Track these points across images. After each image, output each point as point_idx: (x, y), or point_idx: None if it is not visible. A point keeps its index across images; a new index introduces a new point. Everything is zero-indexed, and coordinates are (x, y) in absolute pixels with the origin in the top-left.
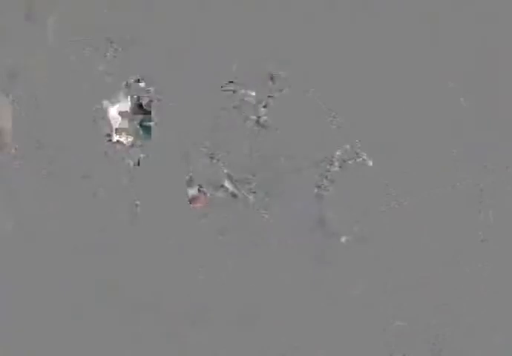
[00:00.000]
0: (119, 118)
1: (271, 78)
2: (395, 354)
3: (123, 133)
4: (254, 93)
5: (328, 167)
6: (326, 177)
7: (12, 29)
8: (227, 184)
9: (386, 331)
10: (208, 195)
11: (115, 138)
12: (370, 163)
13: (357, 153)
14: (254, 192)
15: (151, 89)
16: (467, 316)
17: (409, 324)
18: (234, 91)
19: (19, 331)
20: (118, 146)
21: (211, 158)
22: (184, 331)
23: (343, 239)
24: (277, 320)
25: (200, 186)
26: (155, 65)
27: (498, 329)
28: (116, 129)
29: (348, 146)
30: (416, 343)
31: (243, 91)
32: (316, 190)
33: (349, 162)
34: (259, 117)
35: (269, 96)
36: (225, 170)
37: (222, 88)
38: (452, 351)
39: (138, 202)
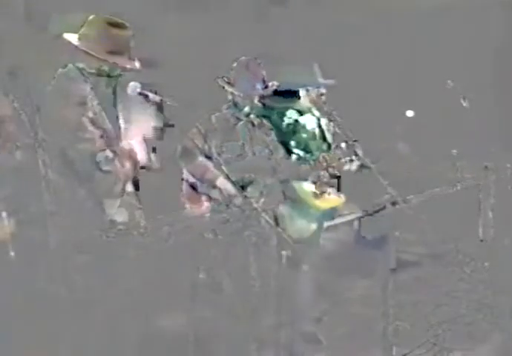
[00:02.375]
0: None
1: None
2: (395, 355)
3: None
4: (241, 94)
5: (325, 166)
6: (323, 177)
7: (12, 29)
8: (224, 184)
9: (386, 331)
10: (206, 195)
11: None
12: (369, 163)
13: (355, 153)
14: (252, 192)
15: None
16: (467, 316)
17: (409, 324)
18: (223, 87)
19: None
20: None
21: (209, 158)
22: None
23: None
24: (277, 320)
25: (196, 186)
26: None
27: (498, 329)
28: None
29: (344, 145)
30: (416, 343)
31: (230, 89)
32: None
33: (345, 161)
34: (249, 117)
35: (261, 98)
36: (225, 171)
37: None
38: (452, 351)
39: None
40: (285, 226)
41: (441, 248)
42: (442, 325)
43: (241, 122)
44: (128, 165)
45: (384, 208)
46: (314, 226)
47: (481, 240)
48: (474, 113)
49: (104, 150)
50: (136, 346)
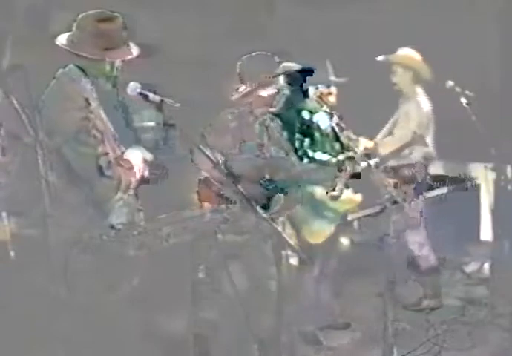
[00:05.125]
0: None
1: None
2: (395, 355)
3: None
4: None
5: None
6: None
7: (12, 29)
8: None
9: (386, 331)
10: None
11: None
12: (371, 163)
13: (355, 153)
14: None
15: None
16: (467, 316)
17: (409, 324)
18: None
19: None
20: None
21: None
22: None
23: (343, 239)
24: (277, 320)
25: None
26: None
27: (497, 329)
28: None
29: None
30: (416, 343)
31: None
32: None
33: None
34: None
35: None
36: (225, 171)
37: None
38: (452, 351)
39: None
40: (301, 231)
41: (440, 248)
42: (442, 325)
43: (258, 121)
44: (129, 169)
45: (385, 207)
46: (331, 228)
47: (481, 240)
48: (474, 113)
49: (106, 154)
50: (136, 346)
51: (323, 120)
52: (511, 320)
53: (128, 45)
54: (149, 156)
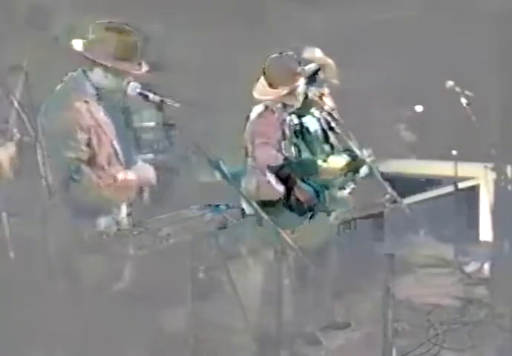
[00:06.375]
0: None
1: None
2: (395, 354)
3: None
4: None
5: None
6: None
7: (12, 28)
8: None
9: (386, 331)
10: None
11: None
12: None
13: (352, 153)
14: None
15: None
16: (467, 316)
17: (409, 324)
18: None
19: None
20: None
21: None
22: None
23: (342, 239)
24: (276, 320)
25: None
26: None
27: (497, 329)
28: None
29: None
30: (416, 343)
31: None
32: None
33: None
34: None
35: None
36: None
37: None
38: (452, 351)
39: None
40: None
41: (440, 248)
42: (442, 325)
43: (289, 118)
44: (124, 188)
45: (384, 207)
46: (327, 227)
47: (481, 240)
48: (474, 113)
49: (79, 159)
50: (135, 345)
51: (311, 123)
52: (511, 320)
53: (140, 64)
54: (154, 178)
